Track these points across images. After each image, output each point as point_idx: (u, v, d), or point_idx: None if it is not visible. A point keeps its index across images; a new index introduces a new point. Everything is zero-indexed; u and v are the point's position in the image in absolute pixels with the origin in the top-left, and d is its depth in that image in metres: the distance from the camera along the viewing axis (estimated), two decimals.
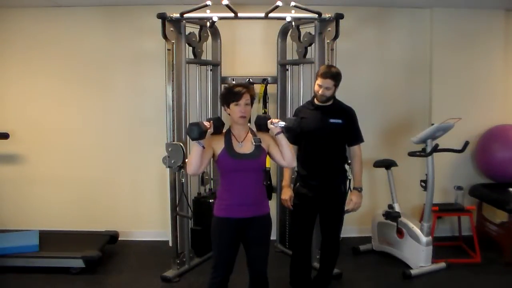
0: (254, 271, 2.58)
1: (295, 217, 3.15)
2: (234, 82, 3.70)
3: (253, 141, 2.51)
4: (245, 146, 2.50)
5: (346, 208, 3.03)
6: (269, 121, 2.54)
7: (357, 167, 3.02)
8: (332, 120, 2.93)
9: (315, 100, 2.99)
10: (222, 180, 2.55)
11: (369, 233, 4.15)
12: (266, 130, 2.58)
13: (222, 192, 2.54)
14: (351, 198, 3.03)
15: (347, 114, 2.99)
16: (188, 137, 3.40)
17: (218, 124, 2.53)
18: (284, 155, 2.54)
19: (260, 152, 2.51)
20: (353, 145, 3.03)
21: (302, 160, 3.01)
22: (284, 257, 3.97)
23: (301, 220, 3.05)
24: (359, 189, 3.03)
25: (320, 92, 2.89)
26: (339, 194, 3.02)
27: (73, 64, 4.30)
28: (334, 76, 2.86)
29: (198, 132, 2.34)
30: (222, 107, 2.57)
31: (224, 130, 2.57)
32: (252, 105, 2.53)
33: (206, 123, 2.41)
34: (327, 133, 2.94)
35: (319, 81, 2.88)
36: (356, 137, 3.03)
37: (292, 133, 2.72)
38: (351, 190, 3.10)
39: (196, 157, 2.40)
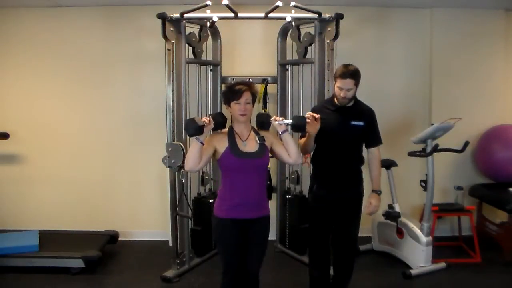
0: (247, 270, 2.54)
1: (314, 221, 2.96)
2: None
3: (257, 139, 2.49)
4: (249, 145, 2.48)
5: (366, 211, 2.91)
6: (272, 119, 2.53)
7: (377, 170, 2.89)
8: (354, 123, 2.79)
9: (335, 100, 2.84)
10: (224, 179, 2.52)
11: (369, 233, 4.14)
12: (268, 128, 2.58)
13: (224, 192, 2.50)
14: (371, 202, 2.89)
15: (368, 116, 2.85)
16: (188, 138, 3.44)
17: (220, 119, 2.51)
18: (290, 152, 2.53)
19: (264, 150, 2.50)
20: (372, 147, 2.89)
21: (320, 162, 2.89)
22: (284, 257, 3.97)
23: (320, 224, 2.92)
24: (378, 192, 2.90)
25: (341, 94, 2.73)
26: (358, 196, 2.90)
27: (73, 64, 4.30)
28: (353, 74, 2.71)
29: (193, 128, 2.32)
30: (224, 106, 2.55)
31: (226, 128, 2.56)
32: (253, 103, 2.51)
33: (205, 119, 2.39)
34: (348, 135, 2.81)
35: (338, 83, 2.73)
36: (376, 139, 2.90)
37: (300, 131, 2.70)
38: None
39: (194, 153, 2.37)
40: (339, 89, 2.74)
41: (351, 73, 2.71)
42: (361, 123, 2.82)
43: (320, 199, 2.90)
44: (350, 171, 2.89)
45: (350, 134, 2.83)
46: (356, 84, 2.75)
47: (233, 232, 2.47)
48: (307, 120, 2.60)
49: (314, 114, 2.64)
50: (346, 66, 2.77)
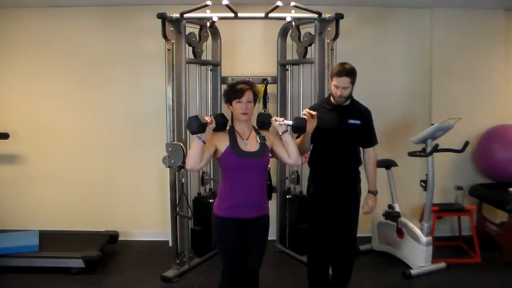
0: (247, 270, 2.54)
1: (312, 221, 2.96)
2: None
3: (258, 139, 2.49)
4: (250, 144, 2.48)
5: (363, 212, 2.93)
6: (273, 119, 2.53)
7: (372, 170, 2.91)
8: (350, 121, 2.80)
9: (332, 99, 2.84)
10: (224, 178, 2.51)
11: (369, 233, 4.14)
12: (268, 128, 2.57)
13: (224, 191, 2.50)
14: (367, 202, 2.91)
15: (365, 115, 2.86)
16: (188, 138, 3.44)
17: (221, 120, 2.50)
18: (290, 153, 2.53)
19: (264, 150, 2.49)
20: (368, 147, 2.90)
21: (317, 161, 2.89)
22: (284, 257, 3.97)
23: (318, 224, 2.92)
24: (374, 193, 2.92)
25: (338, 93, 2.73)
26: (355, 196, 2.90)
27: (73, 64, 4.30)
28: (349, 72, 2.70)
29: (196, 125, 2.30)
30: (226, 105, 2.54)
31: (227, 128, 2.55)
32: (255, 103, 2.50)
33: (208, 118, 2.38)
34: (345, 134, 2.81)
35: (334, 81, 2.73)
36: (371, 139, 2.91)
37: (300, 132, 2.70)
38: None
39: (196, 152, 2.36)
40: (335, 87, 2.75)
41: (347, 71, 2.71)
42: (358, 122, 2.82)
43: (317, 199, 2.90)
44: (347, 171, 2.89)
45: (347, 132, 2.83)
46: (352, 82, 2.75)
47: (232, 231, 2.46)
48: (304, 117, 2.61)
49: (311, 111, 2.65)
50: (342, 64, 2.78)
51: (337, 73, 2.72)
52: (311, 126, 2.64)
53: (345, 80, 2.71)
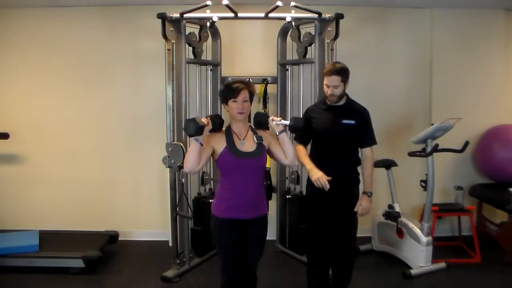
0: (245, 270, 2.53)
1: (311, 221, 2.97)
2: None
3: (255, 139, 2.48)
4: (247, 144, 2.46)
5: (359, 213, 2.87)
6: (270, 119, 2.52)
7: (368, 170, 2.87)
8: (344, 121, 2.80)
9: (327, 100, 2.86)
10: (222, 178, 2.51)
11: (369, 233, 4.14)
12: (266, 128, 2.57)
13: (222, 192, 2.49)
14: (361, 203, 2.83)
15: (360, 115, 2.85)
16: (188, 138, 3.44)
17: (217, 121, 2.49)
18: (286, 153, 2.52)
19: (262, 150, 2.48)
20: (365, 147, 2.88)
21: (314, 162, 2.86)
22: (284, 257, 3.97)
23: (317, 223, 2.92)
24: (368, 194, 2.85)
25: (329, 92, 2.76)
26: (353, 197, 2.88)
27: (73, 64, 4.31)
28: (339, 71, 2.73)
29: (194, 128, 2.29)
30: (222, 105, 2.54)
31: (223, 128, 2.55)
32: (251, 102, 2.49)
33: (204, 120, 2.38)
34: (339, 134, 2.82)
35: (325, 80, 2.77)
36: (368, 139, 2.88)
37: (297, 133, 2.70)
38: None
39: (193, 155, 2.35)
40: (326, 86, 2.78)
41: (337, 70, 2.74)
42: (352, 122, 2.81)
43: (314, 199, 2.91)
44: (343, 171, 2.87)
45: (341, 132, 2.83)
46: (344, 81, 2.76)
47: (230, 231, 2.46)
48: (318, 184, 2.67)
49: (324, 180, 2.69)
50: (333, 63, 2.84)
51: (327, 72, 2.77)
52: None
53: (335, 79, 2.73)
